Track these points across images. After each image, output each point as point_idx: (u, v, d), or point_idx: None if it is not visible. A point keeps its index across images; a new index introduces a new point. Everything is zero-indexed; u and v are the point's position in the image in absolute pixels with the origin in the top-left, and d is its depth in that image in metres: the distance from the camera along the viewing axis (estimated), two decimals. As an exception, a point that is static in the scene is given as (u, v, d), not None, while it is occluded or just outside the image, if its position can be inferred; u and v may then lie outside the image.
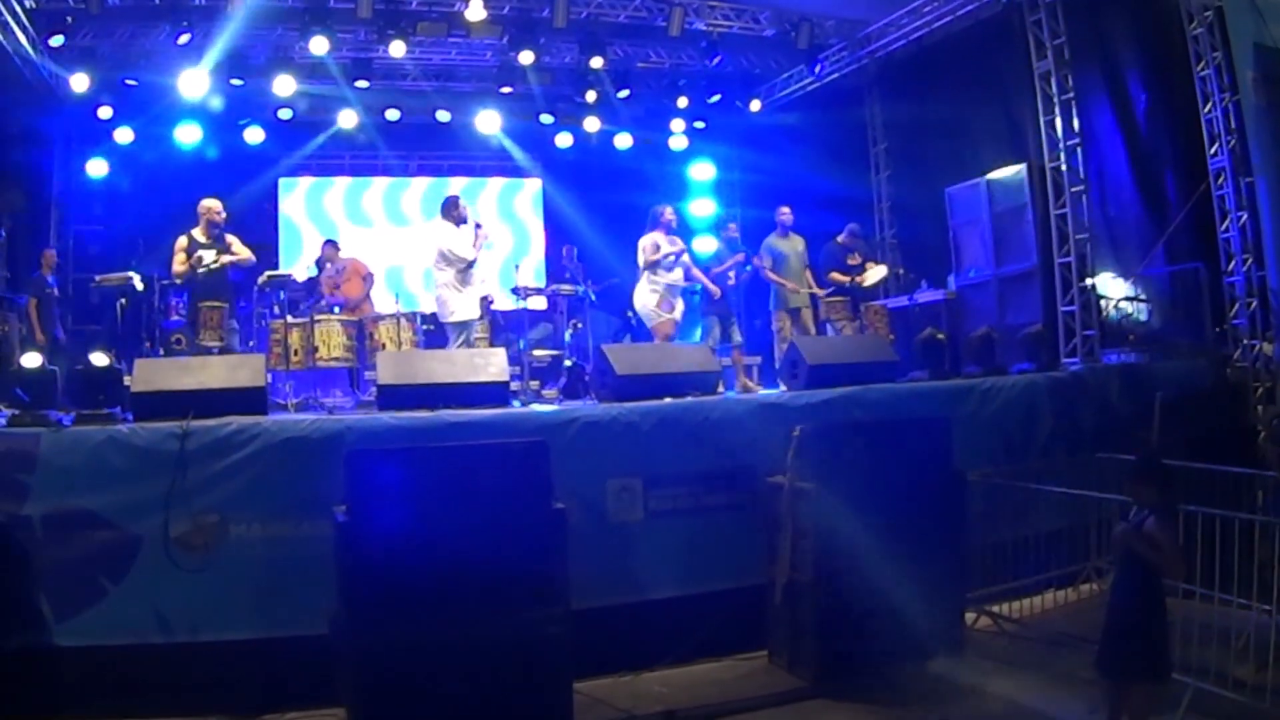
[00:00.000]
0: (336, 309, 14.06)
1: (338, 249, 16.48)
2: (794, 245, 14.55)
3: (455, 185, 20.50)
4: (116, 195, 18.40)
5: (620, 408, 9.53)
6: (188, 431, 8.13)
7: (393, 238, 20.38)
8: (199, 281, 12.32)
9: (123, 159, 18.35)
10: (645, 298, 13.37)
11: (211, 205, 12.48)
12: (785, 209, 14.73)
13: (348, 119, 19.18)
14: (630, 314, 15.23)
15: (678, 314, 13.27)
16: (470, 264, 12.73)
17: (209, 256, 12.19)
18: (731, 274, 14.00)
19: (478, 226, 12.92)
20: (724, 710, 8.10)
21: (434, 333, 14.09)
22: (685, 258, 13.53)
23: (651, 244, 13.26)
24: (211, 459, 8.17)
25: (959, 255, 16.12)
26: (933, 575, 8.55)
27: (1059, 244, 13.76)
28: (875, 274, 14.83)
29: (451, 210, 12.88)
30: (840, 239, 15.15)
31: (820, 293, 14.60)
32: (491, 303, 14.84)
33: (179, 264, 12.30)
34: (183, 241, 12.33)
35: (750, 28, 17.46)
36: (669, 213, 13.44)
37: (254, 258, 12.73)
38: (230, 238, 12.54)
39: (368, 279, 16.05)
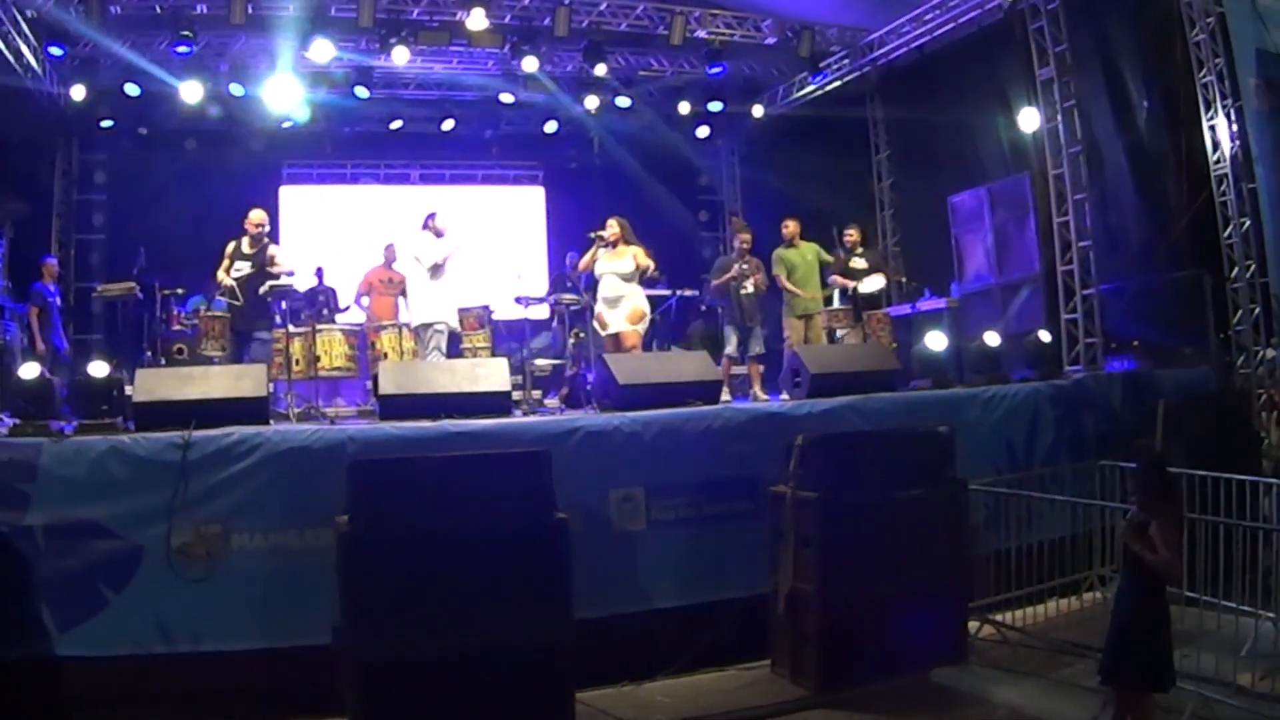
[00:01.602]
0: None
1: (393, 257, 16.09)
2: (803, 254, 14.37)
3: (458, 194, 20.56)
4: (117, 204, 18.43)
5: (622, 417, 9.52)
6: (189, 441, 8.13)
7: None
8: (236, 291, 12.29)
9: (124, 168, 18.38)
10: None
11: (251, 217, 12.42)
12: (789, 222, 14.53)
13: (350, 128, 19.20)
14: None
15: (616, 327, 12.52)
16: (437, 268, 12.77)
17: (245, 269, 12.16)
18: (749, 285, 13.75)
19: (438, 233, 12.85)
20: (727, 720, 8.10)
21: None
22: (625, 267, 12.58)
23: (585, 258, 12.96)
24: (213, 469, 8.18)
25: (961, 263, 16.11)
26: (935, 584, 8.55)
27: (1061, 251, 13.76)
28: (871, 283, 14.69)
29: (429, 223, 12.97)
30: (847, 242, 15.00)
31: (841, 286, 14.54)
32: (493, 312, 14.77)
33: (220, 272, 12.31)
34: (230, 248, 12.31)
35: (751, 36, 17.43)
36: (607, 225, 12.83)
37: (283, 279, 12.57)
38: (272, 251, 12.44)
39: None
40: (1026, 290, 14.90)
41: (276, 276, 12.30)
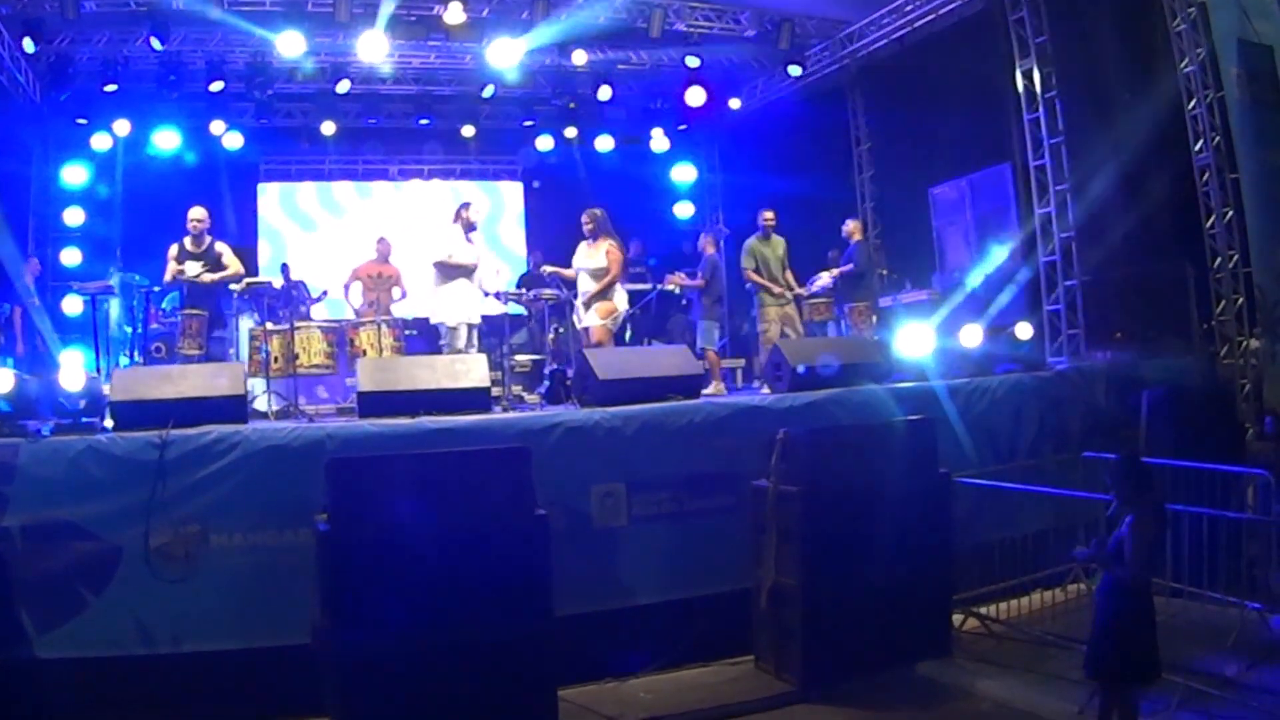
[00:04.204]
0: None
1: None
2: (774, 249, 14.26)
3: (436, 189, 20.47)
4: (95, 203, 18.27)
5: (603, 412, 9.49)
6: (167, 440, 8.09)
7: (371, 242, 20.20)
8: (187, 290, 12.20)
9: (101, 166, 18.24)
10: None
11: (194, 215, 12.34)
12: (768, 213, 14.37)
13: (327, 124, 19.10)
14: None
15: (587, 322, 12.58)
16: (458, 268, 12.36)
17: (194, 268, 12.07)
18: (674, 285, 13.83)
19: (469, 225, 12.60)
20: (711, 715, 8.08)
21: (416, 338, 14.03)
22: (597, 262, 12.58)
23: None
24: (191, 468, 8.14)
25: (942, 255, 16.08)
26: (919, 577, 8.55)
27: (1043, 243, 13.74)
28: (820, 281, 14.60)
29: (459, 215, 12.64)
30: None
31: (802, 292, 14.44)
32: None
33: (168, 273, 12.20)
34: (174, 250, 12.20)
35: (730, 29, 17.35)
36: (582, 221, 12.80)
37: (240, 272, 12.49)
38: (221, 248, 12.33)
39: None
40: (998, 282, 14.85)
41: (230, 278, 12.23)
